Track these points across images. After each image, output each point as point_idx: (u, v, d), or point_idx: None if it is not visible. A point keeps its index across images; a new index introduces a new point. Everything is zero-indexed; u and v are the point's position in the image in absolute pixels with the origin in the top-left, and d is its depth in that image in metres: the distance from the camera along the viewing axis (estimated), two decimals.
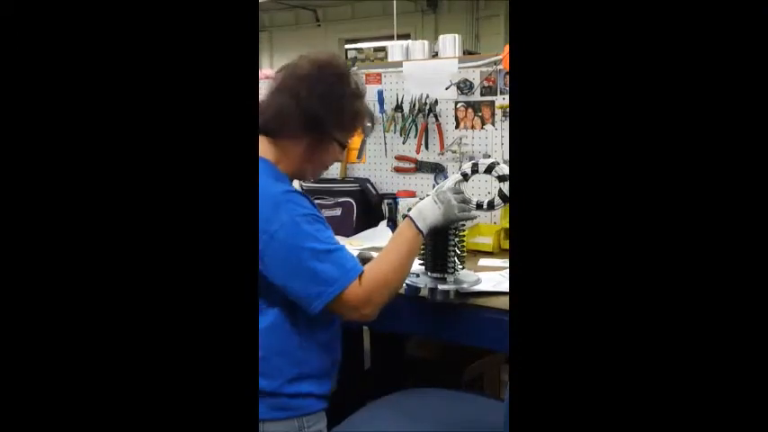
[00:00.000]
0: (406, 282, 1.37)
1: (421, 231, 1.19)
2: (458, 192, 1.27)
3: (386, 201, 2.12)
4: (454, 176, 1.38)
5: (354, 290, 1.11)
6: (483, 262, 1.72)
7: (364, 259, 1.38)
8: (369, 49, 9.51)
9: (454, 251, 1.33)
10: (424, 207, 1.21)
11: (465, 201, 1.27)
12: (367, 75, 2.21)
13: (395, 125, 2.16)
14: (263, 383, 1.13)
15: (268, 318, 1.16)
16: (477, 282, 1.37)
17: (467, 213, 1.26)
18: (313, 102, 1.17)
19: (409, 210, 1.24)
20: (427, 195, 1.26)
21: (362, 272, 1.13)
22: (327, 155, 1.26)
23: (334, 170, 2.24)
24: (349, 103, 1.23)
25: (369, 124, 1.29)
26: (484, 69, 1.99)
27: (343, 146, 1.28)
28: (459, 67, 2.05)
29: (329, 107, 1.19)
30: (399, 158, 2.18)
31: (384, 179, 2.23)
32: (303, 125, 1.19)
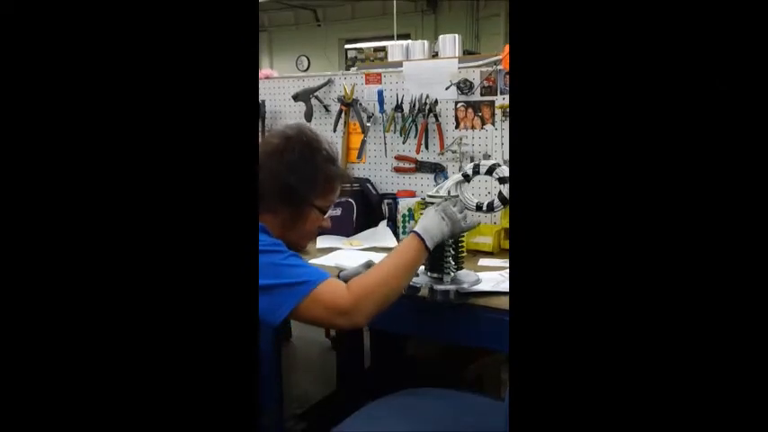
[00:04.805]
0: None
1: (428, 249, 1.21)
2: (458, 203, 1.28)
3: (386, 201, 2.12)
4: (455, 177, 1.38)
5: (341, 293, 1.11)
6: (483, 262, 1.72)
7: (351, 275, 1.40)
8: (369, 49, 9.52)
9: (450, 251, 1.34)
10: (431, 225, 1.22)
11: (466, 208, 1.29)
12: (367, 75, 2.22)
13: (395, 125, 2.16)
14: None
15: None
16: (477, 282, 1.38)
17: (473, 221, 1.28)
18: (285, 173, 1.18)
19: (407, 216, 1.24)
20: (429, 206, 1.26)
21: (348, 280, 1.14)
22: (309, 223, 1.26)
23: None
24: (322, 169, 1.23)
25: (346, 185, 1.32)
26: (484, 69, 1.99)
27: (324, 211, 1.28)
28: (459, 67, 2.05)
29: (302, 176, 1.19)
30: (399, 158, 2.18)
31: (384, 179, 2.23)
32: (279, 197, 1.19)
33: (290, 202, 1.20)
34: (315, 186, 1.23)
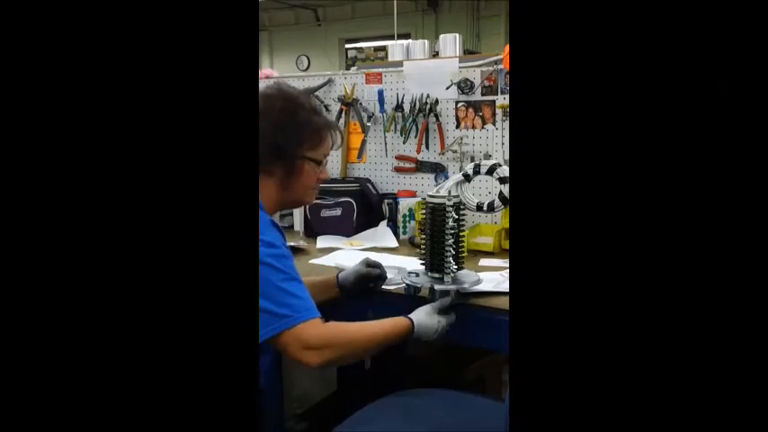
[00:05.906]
0: (406, 282, 1.37)
1: (412, 339, 1.24)
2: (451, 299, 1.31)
3: (386, 201, 2.12)
4: (455, 177, 1.39)
5: (319, 332, 1.11)
6: (483, 262, 1.72)
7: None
8: (369, 48, 9.51)
9: (449, 251, 1.34)
10: (425, 325, 1.25)
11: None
12: (367, 74, 2.22)
13: (395, 125, 2.16)
14: None
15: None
16: (478, 282, 1.38)
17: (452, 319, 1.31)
18: (271, 132, 1.18)
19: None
20: (431, 304, 1.28)
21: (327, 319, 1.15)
22: (305, 176, 1.26)
23: (335, 170, 2.24)
24: (307, 121, 1.24)
25: (337, 133, 1.33)
26: (484, 69, 1.99)
27: (319, 162, 1.28)
28: (459, 67, 2.04)
29: (286, 131, 1.21)
30: (400, 158, 2.18)
31: (384, 179, 2.23)
32: (268, 155, 1.19)
33: (278, 157, 1.21)
34: (303, 140, 1.24)
